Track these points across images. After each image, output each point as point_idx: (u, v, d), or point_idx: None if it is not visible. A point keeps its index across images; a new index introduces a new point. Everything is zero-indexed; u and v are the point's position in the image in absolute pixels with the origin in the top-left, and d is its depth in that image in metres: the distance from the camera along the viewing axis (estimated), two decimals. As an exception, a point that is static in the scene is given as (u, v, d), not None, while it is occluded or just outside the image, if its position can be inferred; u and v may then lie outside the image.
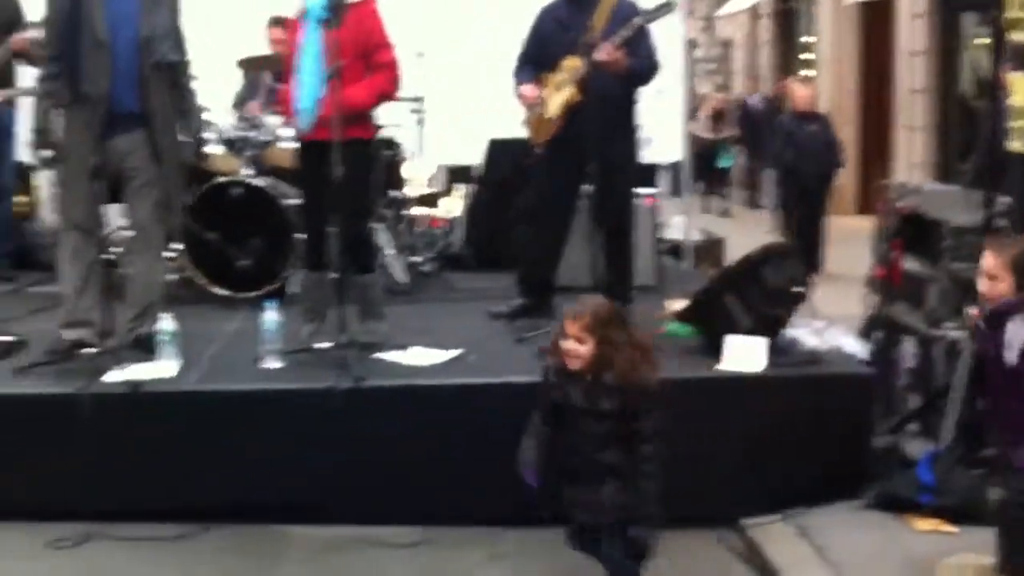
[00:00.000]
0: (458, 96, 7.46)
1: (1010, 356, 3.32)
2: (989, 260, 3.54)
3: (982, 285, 3.57)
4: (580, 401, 3.44)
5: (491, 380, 4.49)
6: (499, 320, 5.55)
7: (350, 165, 4.54)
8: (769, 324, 4.67)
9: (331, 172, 4.47)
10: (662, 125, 7.27)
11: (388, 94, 5.01)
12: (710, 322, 4.83)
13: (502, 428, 3.81)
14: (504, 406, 4.25)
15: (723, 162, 15.53)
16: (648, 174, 6.18)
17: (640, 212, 6.06)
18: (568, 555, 3.62)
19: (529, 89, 5.34)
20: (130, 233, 4.94)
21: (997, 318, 3.42)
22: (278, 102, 5.79)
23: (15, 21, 6.31)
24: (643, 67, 5.29)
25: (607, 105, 5.13)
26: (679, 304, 5.46)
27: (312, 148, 4.75)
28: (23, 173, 7.09)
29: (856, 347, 5.06)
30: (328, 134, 4.52)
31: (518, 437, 3.56)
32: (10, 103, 5.75)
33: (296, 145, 5.10)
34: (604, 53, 5.04)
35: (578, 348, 3.41)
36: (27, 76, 6.14)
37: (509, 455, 3.55)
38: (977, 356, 3.96)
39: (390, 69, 4.92)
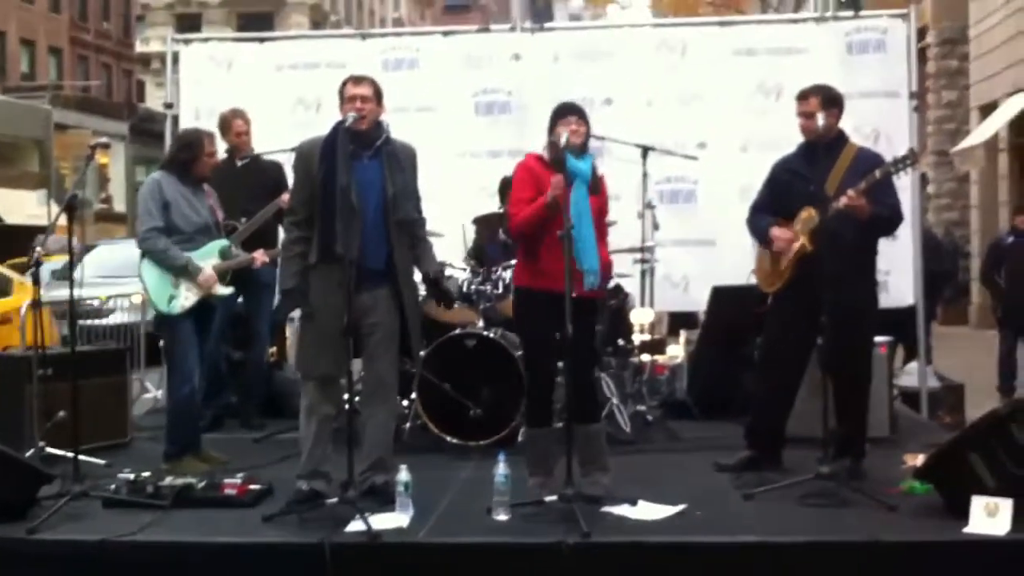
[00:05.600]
0: (681, 244, 7.59)
1: None
2: None
3: None
4: None
5: (717, 539, 4.43)
6: (726, 472, 5.49)
7: (592, 322, 4.73)
8: (1018, 485, 4.41)
9: (575, 328, 4.61)
10: (896, 269, 7.11)
11: None
12: (952, 481, 4.62)
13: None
14: (727, 566, 4.22)
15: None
16: (883, 321, 6.00)
17: (875, 360, 5.89)
18: None
19: (781, 231, 5.32)
20: (367, 385, 5.19)
21: None
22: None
23: (280, 184, 6.88)
24: (885, 215, 5.24)
25: (842, 255, 5.08)
26: (917, 459, 5.26)
27: (552, 303, 4.76)
28: (276, 325, 7.63)
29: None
30: (592, 293, 4.86)
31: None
32: (273, 262, 6.24)
33: (517, 301, 5.28)
34: (847, 198, 5.01)
35: None
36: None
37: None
38: None
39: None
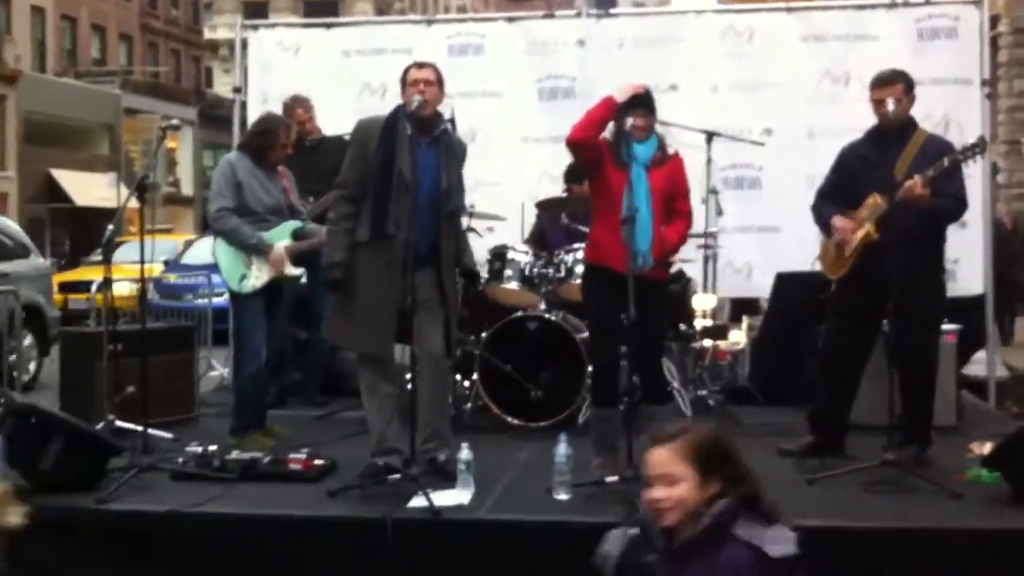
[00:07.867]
0: (744, 231, 7.55)
1: None
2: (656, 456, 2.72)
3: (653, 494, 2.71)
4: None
5: (780, 523, 4.41)
6: (788, 457, 5.45)
7: (656, 303, 4.76)
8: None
9: (637, 309, 4.62)
10: (965, 258, 7.00)
11: (686, 239, 5.31)
12: (1020, 469, 4.56)
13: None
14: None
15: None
16: (951, 310, 5.91)
17: (942, 348, 5.80)
18: None
19: (842, 221, 5.27)
20: (419, 359, 5.23)
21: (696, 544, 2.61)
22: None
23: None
24: (947, 206, 5.15)
25: (909, 243, 4.99)
26: (984, 447, 5.19)
27: (618, 284, 4.78)
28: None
29: None
30: (650, 273, 4.84)
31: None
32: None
33: (584, 279, 5.36)
34: (910, 188, 4.94)
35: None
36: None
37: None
38: None
39: (690, 217, 5.23)
